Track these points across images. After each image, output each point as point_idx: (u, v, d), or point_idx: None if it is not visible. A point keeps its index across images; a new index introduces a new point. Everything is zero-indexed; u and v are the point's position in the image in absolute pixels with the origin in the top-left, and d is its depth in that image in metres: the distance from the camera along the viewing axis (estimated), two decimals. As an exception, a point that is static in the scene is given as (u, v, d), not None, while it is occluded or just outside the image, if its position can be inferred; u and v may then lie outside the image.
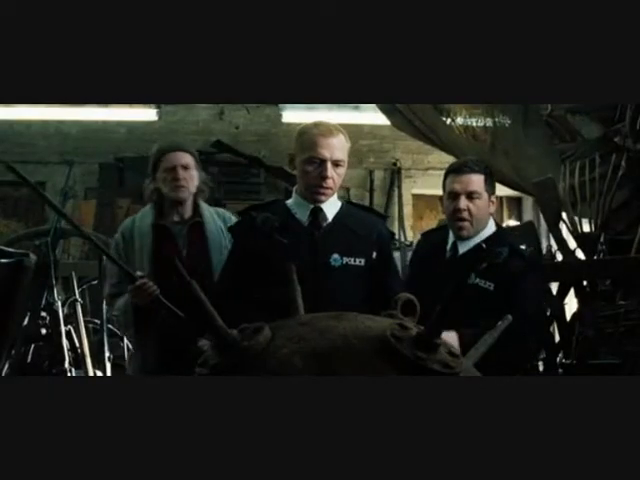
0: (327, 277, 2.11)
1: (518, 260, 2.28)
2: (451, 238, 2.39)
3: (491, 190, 2.36)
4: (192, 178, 2.57)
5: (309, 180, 2.18)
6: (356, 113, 5.83)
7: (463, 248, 2.35)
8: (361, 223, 2.25)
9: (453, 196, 2.34)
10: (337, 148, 2.17)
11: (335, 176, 2.19)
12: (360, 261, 2.18)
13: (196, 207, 2.61)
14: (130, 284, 2.34)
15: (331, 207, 2.23)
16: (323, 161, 2.15)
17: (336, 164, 2.17)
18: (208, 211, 2.62)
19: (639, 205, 3.36)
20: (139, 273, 2.36)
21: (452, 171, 2.38)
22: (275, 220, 2.15)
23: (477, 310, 1.99)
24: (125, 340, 3.53)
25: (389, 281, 2.25)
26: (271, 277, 2.01)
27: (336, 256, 2.16)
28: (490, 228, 2.39)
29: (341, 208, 2.25)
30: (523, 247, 2.35)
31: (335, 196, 2.27)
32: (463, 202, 2.30)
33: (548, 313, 2.96)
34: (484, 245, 2.27)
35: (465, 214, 2.31)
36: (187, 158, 2.58)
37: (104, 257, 3.37)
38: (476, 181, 2.32)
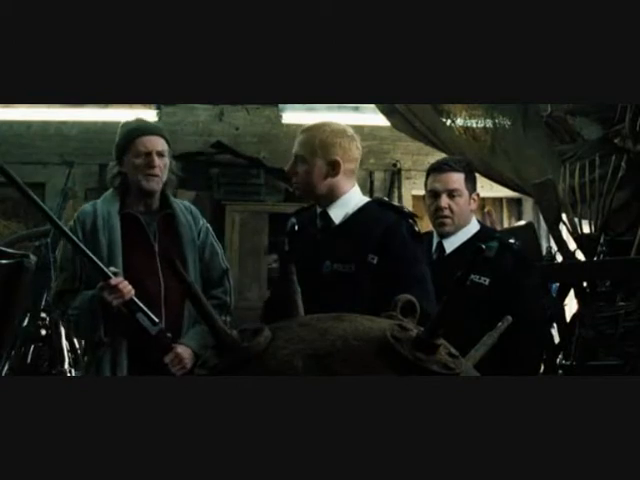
0: (316, 282, 2.03)
1: (508, 253, 2.32)
2: (435, 239, 2.43)
3: (472, 188, 2.43)
4: (166, 167, 2.35)
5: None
6: (356, 114, 5.82)
7: (449, 247, 2.39)
8: (370, 225, 2.14)
9: (434, 194, 2.42)
10: (298, 143, 2.20)
11: (301, 173, 2.17)
12: (350, 267, 2.09)
13: (164, 198, 2.40)
14: (103, 281, 2.13)
15: (338, 210, 2.16)
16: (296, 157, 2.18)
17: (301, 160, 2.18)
18: (176, 203, 2.41)
19: (639, 206, 3.35)
20: (112, 269, 2.16)
21: (433, 170, 2.46)
22: (294, 224, 2.16)
23: (473, 305, 2.00)
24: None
25: (393, 283, 2.11)
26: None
27: (327, 263, 2.10)
28: (474, 226, 2.43)
29: (354, 210, 2.17)
30: (512, 241, 2.41)
31: (344, 198, 2.18)
32: (444, 200, 2.38)
33: (547, 314, 2.96)
34: (483, 246, 2.28)
35: (446, 212, 2.39)
36: (163, 144, 2.34)
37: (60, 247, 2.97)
38: (456, 179, 2.39)
